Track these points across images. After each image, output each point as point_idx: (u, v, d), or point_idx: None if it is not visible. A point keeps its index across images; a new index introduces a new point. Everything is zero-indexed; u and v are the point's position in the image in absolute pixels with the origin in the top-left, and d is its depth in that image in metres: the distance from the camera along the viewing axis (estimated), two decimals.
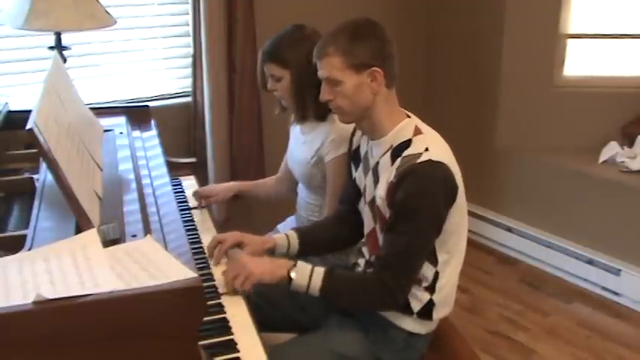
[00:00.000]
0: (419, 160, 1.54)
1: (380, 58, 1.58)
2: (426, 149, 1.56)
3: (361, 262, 1.79)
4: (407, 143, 1.60)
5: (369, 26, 1.62)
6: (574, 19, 3.18)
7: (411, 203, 1.54)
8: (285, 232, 1.85)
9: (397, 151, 1.61)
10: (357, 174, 1.79)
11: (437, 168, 1.55)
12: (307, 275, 1.60)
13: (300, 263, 1.62)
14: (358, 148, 1.80)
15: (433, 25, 3.57)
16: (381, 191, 1.63)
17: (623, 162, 3.06)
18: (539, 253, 3.26)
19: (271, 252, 1.80)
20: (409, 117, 1.67)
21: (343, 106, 1.63)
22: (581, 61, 3.28)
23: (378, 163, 1.67)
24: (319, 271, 1.61)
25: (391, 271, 1.57)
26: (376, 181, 1.67)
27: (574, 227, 3.14)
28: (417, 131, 1.62)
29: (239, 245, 1.77)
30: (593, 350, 2.69)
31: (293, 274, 1.60)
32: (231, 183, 2.33)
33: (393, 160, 1.60)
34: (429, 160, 1.54)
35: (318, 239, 1.87)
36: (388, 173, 1.60)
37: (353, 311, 1.74)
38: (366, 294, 1.62)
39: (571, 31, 3.20)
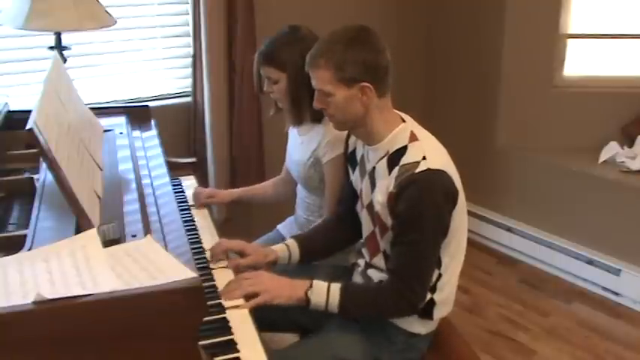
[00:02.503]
0: (417, 170, 1.54)
1: (370, 73, 1.56)
2: (424, 157, 1.55)
3: (361, 262, 1.79)
4: (403, 150, 1.60)
5: (361, 37, 1.58)
6: (574, 19, 3.18)
7: (414, 213, 1.54)
8: (285, 241, 1.84)
9: (394, 158, 1.60)
10: (354, 176, 1.79)
11: (436, 177, 1.55)
12: (324, 294, 1.61)
13: (316, 283, 1.63)
14: (354, 150, 1.80)
15: (433, 25, 3.57)
16: (379, 197, 1.63)
17: (623, 162, 3.06)
18: (539, 253, 3.26)
19: (273, 264, 1.80)
20: (404, 121, 1.66)
21: (336, 116, 1.63)
22: (581, 61, 3.28)
23: (374, 168, 1.66)
24: (335, 288, 1.62)
25: (405, 281, 1.59)
26: (373, 185, 1.67)
27: (574, 227, 3.14)
28: (413, 137, 1.62)
29: (241, 254, 1.77)
30: (593, 350, 2.69)
31: (310, 295, 1.61)
32: (233, 190, 2.32)
33: (390, 168, 1.60)
34: (428, 170, 1.54)
35: (318, 245, 1.87)
36: (386, 181, 1.60)
37: (372, 321, 1.73)
38: (385, 305, 1.63)
39: (571, 31, 3.20)
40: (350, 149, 1.82)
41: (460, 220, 1.63)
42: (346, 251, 1.97)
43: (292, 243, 1.82)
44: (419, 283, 1.60)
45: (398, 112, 1.69)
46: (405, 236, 1.57)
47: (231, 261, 1.75)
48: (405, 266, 1.59)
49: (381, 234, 1.66)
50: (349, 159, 1.83)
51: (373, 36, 1.59)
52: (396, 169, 1.58)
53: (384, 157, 1.63)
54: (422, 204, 1.53)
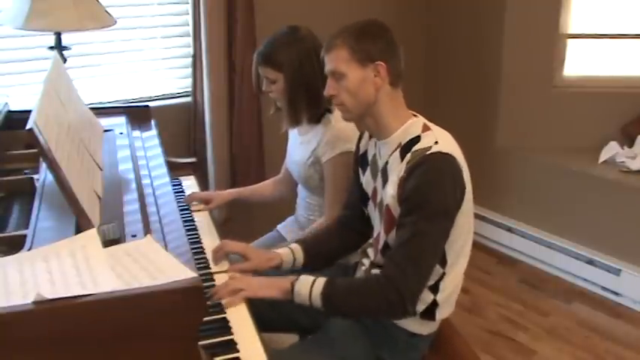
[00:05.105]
0: (428, 152, 1.55)
1: (385, 55, 1.59)
2: (436, 142, 1.57)
3: (365, 261, 1.79)
4: (416, 139, 1.60)
5: (378, 26, 1.64)
6: (574, 19, 3.18)
7: (421, 193, 1.53)
8: (289, 246, 1.83)
9: (406, 147, 1.60)
10: (365, 178, 1.78)
11: (445, 159, 1.55)
12: (309, 285, 1.59)
13: (304, 275, 1.62)
14: (365, 152, 1.79)
15: (433, 25, 3.57)
16: (390, 189, 1.62)
17: (623, 162, 3.06)
18: (539, 253, 3.26)
19: (277, 268, 1.79)
20: (416, 116, 1.67)
21: (346, 102, 1.63)
22: (581, 61, 3.28)
23: (387, 162, 1.66)
24: (321, 280, 1.60)
25: (399, 265, 1.53)
26: (385, 180, 1.66)
27: (574, 227, 3.14)
28: (426, 128, 1.63)
29: (243, 257, 1.76)
30: (593, 350, 2.69)
31: (295, 285, 1.60)
32: (229, 190, 2.31)
33: (403, 157, 1.60)
34: (438, 152, 1.55)
35: (322, 250, 1.86)
36: (398, 170, 1.60)
37: (357, 316, 1.71)
38: (372, 296, 1.56)
39: (571, 31, 3.20)
40: (361, 152, 1.81)
41: (467, 220, 1.62)
42: None
43: (297, 248, 1.81)
44: (413, 269, 1.53)
45: (410, 110, 1.69)
46: (409, 216, 1.53)
47: (232, 266, 1.74)
48: (403, 249, 1.54)
49: (385, 231, 1.66)
50: (360, 162, 1.81)
51: (389, 30, 1.64)
52: (409, 155, 1.58)
53: (396, 149, 1.63)
54: (429, 183, 1.53)
